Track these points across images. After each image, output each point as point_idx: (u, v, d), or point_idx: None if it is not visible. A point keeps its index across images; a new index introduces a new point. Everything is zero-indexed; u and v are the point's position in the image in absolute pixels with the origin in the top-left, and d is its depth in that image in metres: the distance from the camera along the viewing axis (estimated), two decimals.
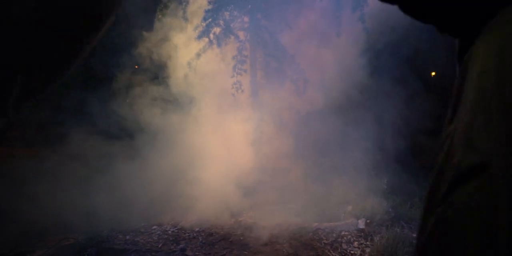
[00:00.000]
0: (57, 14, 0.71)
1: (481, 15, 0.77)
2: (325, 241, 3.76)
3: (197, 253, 3.76)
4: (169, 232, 4.23)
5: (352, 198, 4.49)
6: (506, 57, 0.71)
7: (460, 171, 0.74)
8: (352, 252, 3.58)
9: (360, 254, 3.55)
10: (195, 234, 4.12)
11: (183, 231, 4.21)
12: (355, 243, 3.70)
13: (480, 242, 0.70)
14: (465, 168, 0.73)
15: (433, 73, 10.85)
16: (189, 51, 4.87)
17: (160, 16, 4.96)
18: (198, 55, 4.89)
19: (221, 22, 4.96)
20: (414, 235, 3.88)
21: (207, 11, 4.90)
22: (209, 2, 5.00)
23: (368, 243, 3.72)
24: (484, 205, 0.70)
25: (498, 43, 0.73)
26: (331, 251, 3.60)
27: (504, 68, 0.71)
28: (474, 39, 0.78)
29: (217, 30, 4.96)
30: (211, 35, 4.90)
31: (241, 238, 3.95)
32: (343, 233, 3.86)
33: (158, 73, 4.87)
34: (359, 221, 4.07)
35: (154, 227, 4.30)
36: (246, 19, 5.22)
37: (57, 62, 0.76)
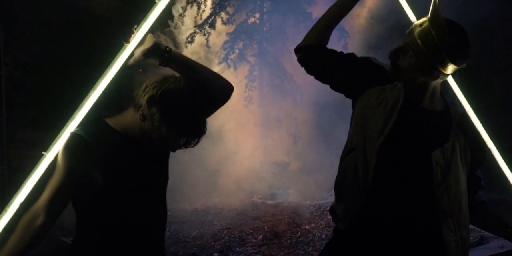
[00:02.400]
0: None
1: (360, 93, 1.94)
2: (314, 213, 4.96)
3: (221, 223, 4.92)
4: (199, 209, 5.38)
5: None
6: (363, 114, 1.88)
7: (347, 150, 1.92)
8: None
9: None
10: (218, 210, 5.28)
11: (209, 209, 5.37)
12: None
13: (352, 176, 1.87)
14: (349, 149, 1.91)
15: None
16: None
17: (187, 44, 6.04)
18: None
19: (237, 50, 5.95)
20: None
21: (225, 42, 5.94)
22: (227, 34, 6.04)
23: None
24: (353, 163, 1.87)
25: (361, 104, 1.91)
26: (319, 220, 4.80)
27: (361, 116, 1.88)
28: (357, 100, 1.95)
29: (233, 56, 5.95)
30: (229, 61, 5.91)
31: (253, 212, 5.10)
32: (328, 208, 5.04)
33: None
34: None
35: (187, 206, 5.42)
36: (255, 46, 6.15)
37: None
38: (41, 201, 1.66)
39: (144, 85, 1.70)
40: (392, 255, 1.83)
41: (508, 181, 2.14)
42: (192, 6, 6.07)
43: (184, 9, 6.16)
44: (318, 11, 6.10)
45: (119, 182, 1.69)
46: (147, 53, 1.73)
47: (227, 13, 6.10)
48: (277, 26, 6.26)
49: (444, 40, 1.71)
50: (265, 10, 6.26)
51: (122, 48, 1.74)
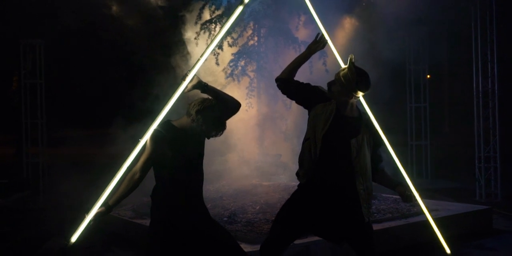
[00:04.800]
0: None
1: (311, 107, 3.25)
2: None
3: (228, 198, 6.04)
4: (211, 189, 6.54)
5: None
6: (314, 119, 3.19)
7: (305, 139, 3.23)
8: None
9: None
10: (226, 190, 6.43)
11: (219, 188, 6.49)
12: None
13: (308, 153, 3.18)
14: (306, 138, 3.23)
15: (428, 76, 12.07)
16: (218, 85, 6.95)
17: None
18: (224, 86, 6.81)
19: (240, 67, 6.81)
20: None
21: (231, 60, 6.89)
22: (232, 54, 6.99)
23: None
24: (308, 146, 3.18)
25: (313, 112, 3.22)
26: None
27: (313, 120, 3.19)
28: (310, 111, 3.26)
29: (237, 71, 6.82)
30: (234, 75, 6.80)
31: (253, 191, 6.21)
32: None
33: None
34: None
35: None
36: (254, 64, 7.04)
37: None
38: (138, 165, 2.96)
39: (192, 103, 3.00)
40: (329, 196, 3.11)
41: (393, 159, 3.45)
42: (204, 32, 7.17)
43: (198, 34, 7.34)
44: (302, 35, 7.23)
45: (179, 155, 2.98)
46: (195, 86, 3.04)
47: (232, 37, 7.09)
48: (271, 47, 7.25)
49: (354, 79, 3.02)
50: (262, 35, 7.25)
51: (180, 84, 3.04)
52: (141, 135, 3.00)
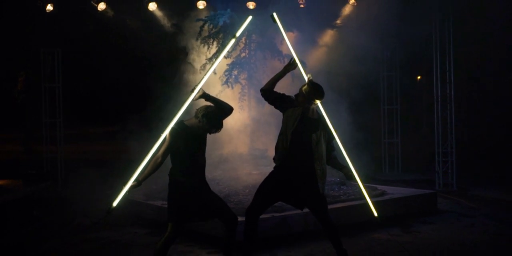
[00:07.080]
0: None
1: (285, 110, 4.36)
2: None
3: (224, 183, 7.01)
4: (209, 177, 7.45)
5: None
6: (286, 119, 4.30)
7: (280, 134, 4.33)
8: None
9: None
10: (221, 178, 7.34)
11: (215, 177, 7.31)
12: None
13: (281, 144, 4.29)
14: (280, 133, 4.33)
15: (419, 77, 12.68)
16: (215, 91, 7.53)
17: (201, 71, 8.20)
18: (220, 92, 7.67)
19: (233, 75, 7.69)
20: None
21: (226, 70, 7.77)
22: (227, 65, 7.87)
23: None
24: (282, 139, 4.28)
25: (285, 114, 4.32)
26: None
27: (285, 120, 4.30)
28: (284, 113, 4.36)
29: (231, 79, 7.70)
30: (228, 83, 7.68)
31: (244, 178, 7.11)
32: None
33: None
34: None
35: None
36: (245, 73, 7.82)
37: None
38: (159, 153, 4.04)
39: (199, 109, 4.10)
40: (295, 175, 4.19)
41: (341, 152, 4.55)
42: (204, 45, 8.13)
43: (198, 47, 8.40)
44: (286, 49, 8.16)
45: (189, 146, 4.07)
46: (200, 96, 4.13)
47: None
48: (260, 59, 8.07)
49: (312, 92, 4.11)
50: (252, 48, 8.18)
51: (190, 94, 4.13)
52: (162, 131, 4.09)
